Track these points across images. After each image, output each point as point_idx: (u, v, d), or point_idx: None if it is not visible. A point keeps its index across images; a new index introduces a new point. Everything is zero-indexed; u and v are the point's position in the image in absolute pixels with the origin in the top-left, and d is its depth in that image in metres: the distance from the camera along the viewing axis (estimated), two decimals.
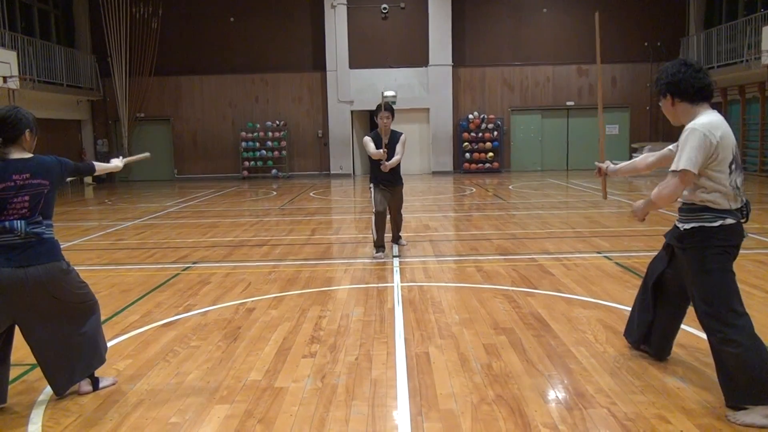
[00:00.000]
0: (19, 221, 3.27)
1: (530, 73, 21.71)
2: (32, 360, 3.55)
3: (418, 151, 21.66)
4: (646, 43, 21.24)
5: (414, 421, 3.23)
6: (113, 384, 3.77)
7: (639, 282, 4.01)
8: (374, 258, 7.32)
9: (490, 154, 21.39)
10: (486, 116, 21.57)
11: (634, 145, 20.67)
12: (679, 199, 3.33)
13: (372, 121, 20.00)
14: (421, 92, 21.37)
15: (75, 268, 3.55)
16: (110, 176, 21.91)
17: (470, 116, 21.57)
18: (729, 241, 3.21)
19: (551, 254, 7.38)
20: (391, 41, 21.40)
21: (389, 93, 20.47)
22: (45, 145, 16.27)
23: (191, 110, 22.01)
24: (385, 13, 21.37)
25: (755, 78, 16.89)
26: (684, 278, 3.43)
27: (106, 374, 3.84)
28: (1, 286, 3.22)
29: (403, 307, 5.28)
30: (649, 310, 3.81)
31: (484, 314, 5.04)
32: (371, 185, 7.50)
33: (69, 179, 3.70)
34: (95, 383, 3.68)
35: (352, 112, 21.47)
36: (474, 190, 15.94)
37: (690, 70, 3.26)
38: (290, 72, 21.76)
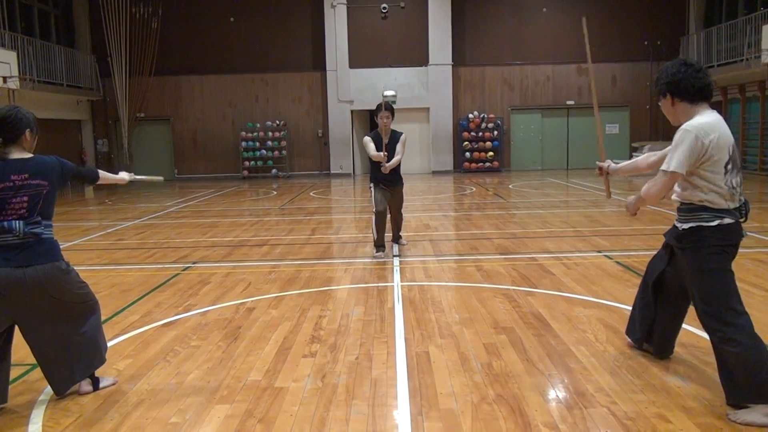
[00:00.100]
0: (17, 221, 3.27)
1: (530, 73, 21.71)
2: (33, 360, 3.55)
3: (418, 151, 21.66)
4: (646, 42, 21.23)
5: (414, 420, 3.23)
6: (113, 384, 3.77)
7: (639, 281, 4.01)
8: (374, 257, 7.32)
9: (490, 153, 21.38)
10: (486, 115, 21.57)
11: (635, 145, 20.65)
12: (677, 199, 3.34)
13: (372, 120, 19.99)
14: (421, 92, 21.37)
15: (75, 268, 3.55)
16: None
17: (470, 115, 21.57)
18: (727, 240, 3.22)
19: (551, 253, 7.38)
20: (391, 41, 21.40)
21: (389, 92, 20.48)
22: (45, 146, 16.26)
23: (191, 110, 22.01)
24: (385, 12, 21.37)
25: (755, 77, 16.89)
26: (684, 278, 3.44)
27: (106, 374, 3.84)
28: None
29: (404, 307, 5.28)
30: (650, 309, 3.82)
31: (484, 313, 5.04)
32: (371, 185, 7.50)
33: (71, 183, 3.66)
34: (95, 383, 3.68)
35: (352, 111, 21.48)
36: (474, 189, 15.93)
37: (690, 70, 3.26)
38: (290, 72, 21.76)
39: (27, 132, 3.43)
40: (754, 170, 17.82)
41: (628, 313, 4.14)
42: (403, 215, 8.11)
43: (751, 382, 3.08)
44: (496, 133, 21.51)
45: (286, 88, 21.90)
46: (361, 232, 9.30)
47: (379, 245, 7.41)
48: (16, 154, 3.38)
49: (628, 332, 4.10)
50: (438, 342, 4.39)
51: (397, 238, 7.99)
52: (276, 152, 21.67)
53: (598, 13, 21.37)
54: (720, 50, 18.31)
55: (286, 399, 3.52)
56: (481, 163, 21.49)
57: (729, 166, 3.18)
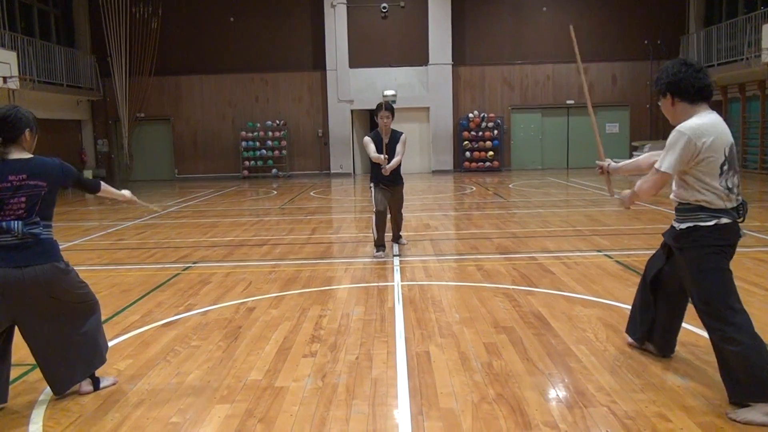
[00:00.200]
0: (16, 222, 3.26)
1: (530, 72, 21.70)
2: (33, 360, 3.55)
3: (419, 150, 21.66)
4: (646, 42, 21.22)
5: (414, 420, 3.23)
6: (114, 384, 3.77)
7: (639, 280, 4.01)
8: (375, 257, 7.32)
9: (491, 152, 21.38)
10: (486, 115, 21.57)
11: (635, 144, 20.65)
12: (675, 199, 3.37)
13: (372, 120, 19.98)
14: (421, 91, 21.37)
15: (75, 268, 3.55)
16: (111, 176, 21.97)
17: (470, 115, 21.57)
18: (724, 240, 3.23)
19: (551, 253, 7.38)
20: (391, 40, 21.40)
21: (389, 92, 20.49)
22: (45, 146, 16.26)
23: (191, 110, 22.02)
24: (384, 12, 21.36)
25: (755, 76, 16.88)
26: (682, 277, 3.45)
27: (106, 374, 3.84)
28: None
29: (404, 306, 5.28)
30: (650, 307, 3.82)
31: (484, 313, 5.04)
32: (371, 185, 7.50)
33: (72, 189, 3.62)
34: (96, 383, 3.68)
35: (352, 111, 21.48)
36: (474, 188, 15.93)
37: (690, 70, 3.28)
38: (290, 71, 21.76)
39: (27, 132, 3.42)
40: (755, 169, 17.81)
41: (629, 313, 4.14)
42: (404, 215, 8.11)
43: (752, 381, 3.09)
44: (496, 132, 21.50)
45: (286, 87, 21.90)
46: (362, 231, 9.30)
47: (380, 245, 7.41)
48: (16, 154, 3.37)
49: (629, 331, 4.10)
50: (438, 341, 4.39)
51: (397, 238, 7.99)
52: (276, 152, 21.67)
53: (598, 12, 21.40)
54: (720, 49, 18.30)
55: (286, 399, 3.52)
56: (481, 163, 21.49)
57: (725, 168, 3.20)
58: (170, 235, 9.63)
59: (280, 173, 21.73)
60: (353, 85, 21.27)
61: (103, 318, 3.90)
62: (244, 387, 3.70)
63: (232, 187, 18.34)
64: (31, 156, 3.43)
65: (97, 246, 8.78)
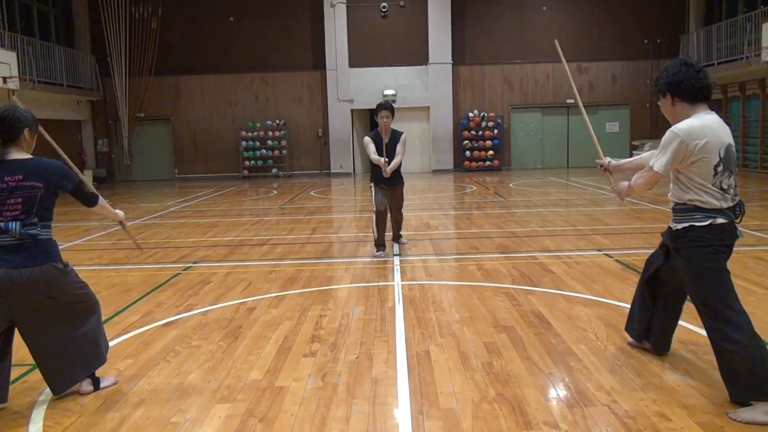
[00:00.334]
0: (13, 222, 3.26)
1: (530, 71, 21.69)
2: (33, 360, 3.55)
3: (419, 150, 21.66)
4: (646, 41, 21.21)
5: (415, 419, 3.23)
6: (114, 384, 3.77)
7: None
8: (375, 257, 7.32)
9: (491, 152, 21.37)
10: (486, 114, 21.56)
11: (635, 143, 20.66)
12: (673, 199, 3.40)
13: (372, 119, 19.98)
14: (421, 91, 21.36)
15: (75, 268, 3.55)
16: (111, 176, 21.98)
17: (470, 114, 21.56)
18: (720, 240, 3.24)
19: (552, 252, 7.38)
20: (391, 40, 21.39)
21: (389, 92, 20.50)
22: (45, 146, 16.26)
23: (191, 110, 22.01)
24: (384, 11, 21.36)
25: (755, 75, 16.87)
26: (681, 277, 3.46)
27: (106, 374, 3.84)
28: None
29: (404, 306, 5.28)
30: (648, 306, 3.84)
31: (484, 312, 5.04)
32: (372, 184, 7.50)
33: (70, 195, 3.51)
34: (96, 383, 3.68)
35: (352, 110, 21.47)
36: (474, 188, 15.93)
37: (690, 70, 3.29)
38: (290, 71, 21.76)
39: (26, 131, 3.41)
40: (755, 168, 17.81)
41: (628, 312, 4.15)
42: (404, 214, 8.11)
43: (753, 380, 3.09)
44: (496, 131, 21.50)
45: (286, 87, 21.89)
46: (362, 231, 9.30)
47: (380, 244, 7.41)
48: (15, 155, 3.36)
49: (627, 328, 4.11)
50: (438, 341, 4.39)
51: (397, 238, 7.99)
52: (276, 152, 21.66)
53: (598, 12, 21.40)
54: (720, 48, 18.29)
55: (286, 398, 3.52)
56: (481, 162, 21.48)
57: (719, 169, 3.21)
58: (170, 234, 9.63)
59: (281, 173, 21.72)
60: (353, 85, 21.27)
61: (103, 318, 3.90)
62: (244, 387, 3.70)
63: (232, 187, 18.34)
64: (30, 157, 3.41)
65: (97, 246, 8.78)
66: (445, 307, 5.22)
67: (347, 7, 21.00)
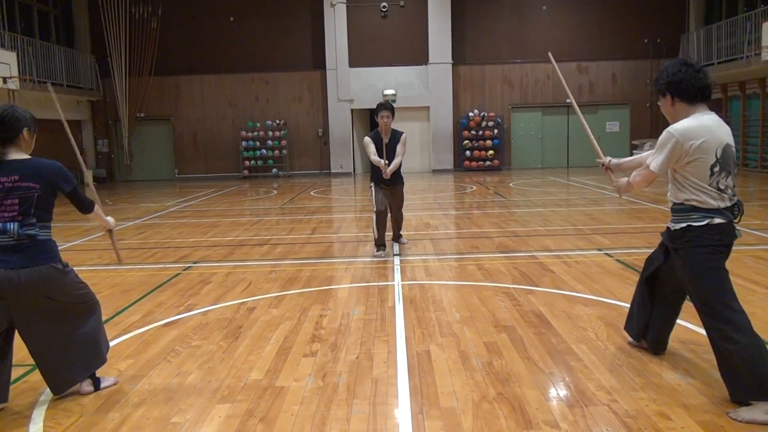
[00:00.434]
0: (11, 223, 3.25)
1: (530, 71, 21.69)
2: (33, 360, 3.55)
3: (419, 150, 21.66)
4: (646, 40, 21.21)
5: (415, 419, 3.23)
6: (114, 384, 3.77)
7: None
8: (375, 256, 7.32)
9: (491, 151, 21.37)
10: (486, 114, 21.56)
11: (635, 142, 20.66)
12: (671, 199, 3.41)
13: (372, 119, 19.99)
14: (421, 90, 21.36)
15: (75, 268, 3.55)
16: (111, 176, 21.98)
17: (470, 114, 21.56)
18: (718, 240, 3.25)
19: (552, 252, 7.38)
20: (391, 39, 21.39)
21: (389, 91, 20.49)
22: (45, 146, 16.26)
23: (191, 110, 22.02)
24: (384, 11, 21.36)
25: (755, 74, 16.87)
26: (680, 277, 3.46)
27: (107, 374, 3.84)
28: None
29: (404, 306, 5.28)
30: (647, 305, 3.84)
31: (484, 312, 5.04)
32: (372, 184, 7.50)
33: (67, 198, 3.46)
34: (96, 383, 3.68)
35: (352, 110, 21.48)
36: (474, 188, 15.93)
37: (690, 70, 3.29)
38: (290, 71, 21.76)
39: (25, 131, 3.40)
40: (755, 167, 17.81)
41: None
42: (404, 214, 8.11)
43: (753, 379, 3.09)
44: (496, 131, 21.50)
45: (286, 87, 21.90)
46: (362, 231, 9.30)
47: (380, 244, 7.41)
48: (14, 155, 3.35)
49: (626, 328, 4.12)
50: (439, 341, 4.39)
51: (397, 237, 7.99)
52: (276, 152, 21.67)
53: (598, 11, 21.40)
54: (720, 48, 18.29)
55: (286, 398, 3.52)
56: (481, 162, 21.48)
57: (716, 169, 3.22)
58: (171, 235, 9.63)
59: (281, 173, 21.73)
60: (353, 85, 21.27)
61: (103, 318, 3.90)
62: (244, 387, 3.70)
63: (233, 187, 18.34)
64: (29, 157, 3.39)
65: (97, 246, 8.78)
66: (445, 307, 5.22)
67: (347, 6, 21.01)
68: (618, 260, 6.79)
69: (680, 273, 3.43)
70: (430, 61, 21.12)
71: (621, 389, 3.48)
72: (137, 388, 3.74)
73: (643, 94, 21.52)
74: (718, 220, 3.23)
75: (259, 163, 21.72)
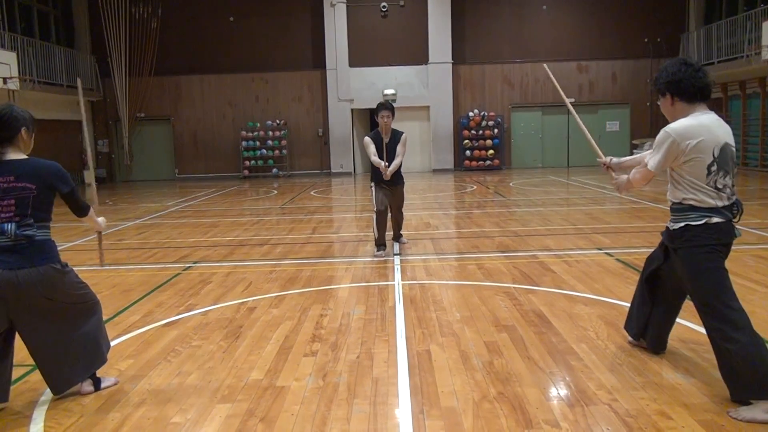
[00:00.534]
0: (9, 224, 3.24)
1: (530, 70, 21.67)
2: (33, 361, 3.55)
3: (419, 149, 21.67)
4: (646, 40, 21.21)
5: (415, 419, 3.23)
6: (115, 384, 3.77)
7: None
8: (375, 256, 7.32)
9: (491, 151, 21.37)
10: (486, 113, 21.55)
11: (635, 142, 20.65)
12: (670, 199, 3.41)
13: (372, 119, 19.98)
14: (422, 90, 21.36)
15: (75, 268, 3.55)
16: (111, 176, 21.98)
17: (470, 114, 21.56)
18: (717, 239, 3.25)
19: (552, 251, 7.38)
20: (391, 39, 21.39)
21: (389, 91, 20.49)
22: (46, 146, 16.28)
23: (191, 110, 22.02)
24: (384, 11, 21.36)
25: (755, 73, 16.87)
26: (680, 277, 3.46)
27: (107, 374, 3.84)
28: None
29: (404, 305, 5.28)
30: (647, 304, 3.85)
31: (485, 312, 5.04)
32: (372, 184, 7.50)
33: (63, 200, 3.45)
34: (97, 383, 3.68)
35: (352, 110, 21.48)
36: (475, 187, 15.93)
37: (690, 70, 3.30)
38: (290, 71, 21.76)
39: (23, 130, 3.39)
40: (755, 166, 17.80)
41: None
42: (404, 214, 8.10)
43: (753, 378, 3.09)
44: (496, 131, 21.49)
45: (286, 87, 21.90)
46: (362, 230, 9.30)
47: (380, 244, 7.41)
48: (12, 155, 3.34)
49: (626, 327, 4.12)
50: (439, 340, 4.39)
51: (397, 237, 7.99)
52: (276, 151, 21.67)
53: (598, 11, 21.40)
54: (720, 47, 18.29)
55: (287, 398, 3.52)
56: (481, 161, 21.48)
57: (713, 168, 3.22)
58: (171, 235, 9.63)
59: (281, 173, 21.73)
60: (353, 85, 21.27)
61: (103, 318, 3.89)
62: (245, 387, 3.70)
63: (233, 187, 18.35)
64: (26, 157, 3.38)
65: (97, 246, 8.77)
66: (445, 307, 5.22)
67: (347, 6, 21.01)
68: (618, 259, 6.79)
69: (680, 272, 3.43)
70: (430, 61, 21.12)
71: (621, 388, 3.48)
72: (138, 388, 3.74)
73: (643, 94, 21.52)
74: (716, 219, 3.23)
75: (260, 163, 21.72)
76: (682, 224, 3.31)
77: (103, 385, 3.70)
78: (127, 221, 11.22)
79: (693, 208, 3.27)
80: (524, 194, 13.91)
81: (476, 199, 13.51)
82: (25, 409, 3.50)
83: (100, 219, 3.87)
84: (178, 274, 6.82)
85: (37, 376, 3.85)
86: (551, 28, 21.49)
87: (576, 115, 4.49)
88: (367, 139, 7.38)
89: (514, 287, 5.77)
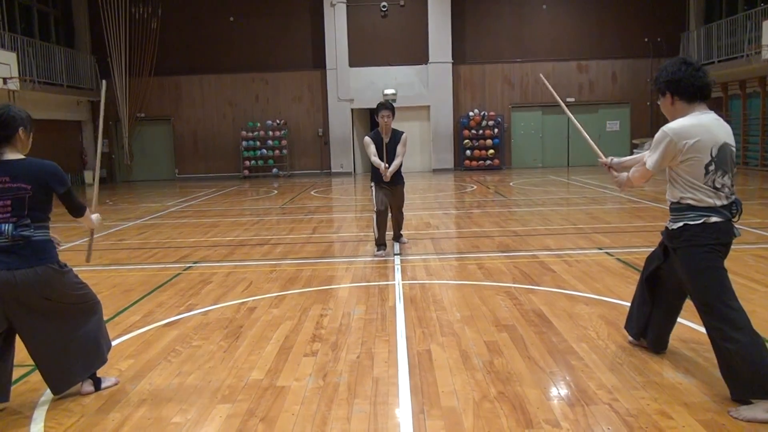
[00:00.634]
0: (6, 224, 3.24)
1: (530, 70, 21.66)
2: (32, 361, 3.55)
3: (419, 149, 21.66)
4: (646, 39, 21.21)
5: (416, 418, 3.23)
6: (115, 384, 3.77)
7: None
8: (375, 256, 7.32)
9: (491, 151, 21.37)
10: (486, 113, 21.55)
11: (635, 141, 20.66)
12: (669, 198, 3.42)
13: (372, 119, 19.98)
14: (422, 90, 21.36)
15: (75, 268, 3.55)
16: (112, 176, 21.98)
17: (471, 113, 21.56)
18: (716, 239, 3.25)
19: (552, 251, 7.38)
20: (391, 39, 21.39)
21: (389, 91, 20.49)
22: (46, 146, 16.28)
23: (191, 110, 22.02)
24: (384, 11, 21.35)
25: (756, 73, 16.87)
26: (680, 277, 3.46)
27: (108, 374, 3.84)
28: None
29: (405, 305, 5.28)
30: (647, 304, 3.85)
31: (485, 311, 5.04)
32: (372, 184, 7.49)
33: (60, 199, 3.43)
34: (97, 383, 3.68)
35: (352, 110, 21.48)
36: (475, 187, 15.93)
37: (690, 69, 3.30)
38: (290, 71, 21.76)
39: (20, 131, 3.37)
40: (755, 166, 17.80)
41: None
42: (404, 214, 8.10)
43: (753, 378, 3.09)
44: (496, 130, 21.49)
45: (286, 87, 21.90)
46: (362, 230, 9.30)
47: (380, 244, 7.41)
48: (9, 155, 3.32)
49: (626, 326, 4.12)
50: (439, 340, 4.39)
51: (398, 237, 7.99)
52: (276, 151, 21.67)
53: (598, 10, 21.40)
54: (720, 46, 18.29)
55: (287, 398, 3.52)
56: (481, 161, 21.48)
57: (711, 168, 3.22)
58: (171, 235, 9.63)
59: (281, 173, 21.73)
60: (353, 84, 21.27)
61: (104, 318, 3.89)
62: (245, 387, 3.70)
63: (233, 187, 18.35)
64: (23, 158, 3.36)
65: (98, 246, 8.78)
66: (445, 306, 5.22)
67: (347, 6, 21.01)
68: (618, 259, 6.79)
69: (679, 272, 3.43)
70: (430, 61, 21.12)
71: (622, 388, 3.48)
72: (138, 388, 3.74)
73: (643, 93, 21.51)
74: (714, 219, 3.23)
75: (260, 162, 21.72)
76: (681, 224, 3.31)
77: (103, 385, 3.70)
78: (128, 221, 11.22)
79: (691, 208, 3.27)
80: (524, 194, 13.91)
81: (476, 198, 13.51)
82: (25, 409, 3.50)
83: (94, 216, 3.84)
84: (179, 274, 6.82)
85: (37, 376, 3.85)
86: (551, 27, 21.49)
87: (576, 122, 4.48)
88: (367, 139, 7.38)
89: (514, 287, 5.77)
